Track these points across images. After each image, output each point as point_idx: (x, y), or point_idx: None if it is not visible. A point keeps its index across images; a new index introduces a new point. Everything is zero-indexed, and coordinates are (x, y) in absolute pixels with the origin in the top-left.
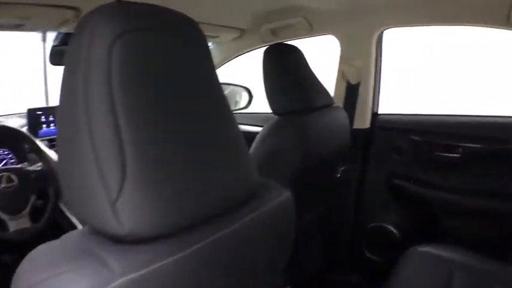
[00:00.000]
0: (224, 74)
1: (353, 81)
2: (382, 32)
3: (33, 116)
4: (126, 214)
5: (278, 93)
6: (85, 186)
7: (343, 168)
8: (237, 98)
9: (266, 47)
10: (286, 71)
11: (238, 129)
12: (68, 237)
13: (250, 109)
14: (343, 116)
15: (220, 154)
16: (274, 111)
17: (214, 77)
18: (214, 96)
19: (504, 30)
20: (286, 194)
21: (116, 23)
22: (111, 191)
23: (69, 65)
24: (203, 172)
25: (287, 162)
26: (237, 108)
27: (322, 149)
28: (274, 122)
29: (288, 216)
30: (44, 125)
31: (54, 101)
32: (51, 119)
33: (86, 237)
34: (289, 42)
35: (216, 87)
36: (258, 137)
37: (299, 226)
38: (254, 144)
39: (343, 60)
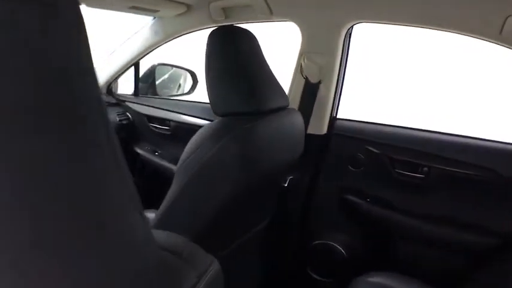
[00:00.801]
0: (169, 53)
1: (313, 80)
2: (352, 27)
3: None
4: None
5: (221, 88)
6: None
7: (291, 177)
8: (181, 81)
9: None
10: (233, 60)
11: (126, 176)
12: None
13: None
14: (299, 121)
15: (85, 237)
16: (215, 111)
17: (89, 75)
18: (85, 114)
19: (494, 44)
20: (215, 268)
21: None
22: None
23: None
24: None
25: (226, 175)
26: (179, 93)
27: (271, 160)
28: (214, 125)
29: None
30: None
31: None
32: None
33: None
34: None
35: (89, 95)
36: (191, 142)
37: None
38: (186, 151)
39: (303, 54)
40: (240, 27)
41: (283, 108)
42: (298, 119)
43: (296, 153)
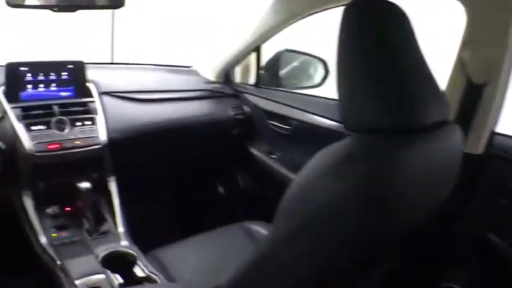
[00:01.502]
0: (297, 36)
1: (477, 80)
2: None
3: (14, 73)
4: None
5: (355, 88)
6: None
7: None
8: (311, 72)
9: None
10: (378, 47)
11: None
12: None
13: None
14: (459, 141)
15: None
16: (345, 122)
17: None
18: None
19: None
20: None
21: None
22: None
23: None
24: None
25: (352, 224)
26: (309, 85)
27: (423, 203)
28: (341, 148)
29: None
30: (30, 86)
31: (121, 56)
32: (40, 77)
33: None
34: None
35: None
36: (306, 169)
37: None
38: (297, 181)
39: (467, 43)
40: (389, 1)
41: (443, 123)
42: (458, 138)
43: (452, 184)
